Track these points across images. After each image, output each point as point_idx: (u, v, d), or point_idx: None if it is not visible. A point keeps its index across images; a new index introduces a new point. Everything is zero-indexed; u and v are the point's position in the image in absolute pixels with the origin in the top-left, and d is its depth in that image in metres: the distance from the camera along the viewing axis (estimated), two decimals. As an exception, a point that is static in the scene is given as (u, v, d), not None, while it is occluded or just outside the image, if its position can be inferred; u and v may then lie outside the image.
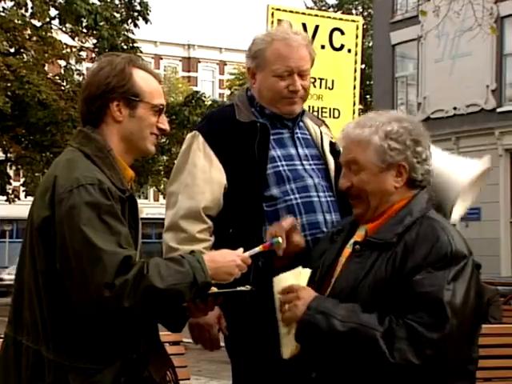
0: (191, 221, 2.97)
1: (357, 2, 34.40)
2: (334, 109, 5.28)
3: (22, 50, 19.21)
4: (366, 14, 31.69)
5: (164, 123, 2.48)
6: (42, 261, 2.30)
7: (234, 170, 3.01)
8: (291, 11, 5.19)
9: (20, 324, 2.33)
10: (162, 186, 31.11)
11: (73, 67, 19.77)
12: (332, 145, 3.14)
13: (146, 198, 39.79)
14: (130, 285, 2.20)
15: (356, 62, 5.33)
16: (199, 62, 48.27)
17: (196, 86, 42.12)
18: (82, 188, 2.26)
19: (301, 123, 3.19)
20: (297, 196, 3.00)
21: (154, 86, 2.47)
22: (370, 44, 28.22)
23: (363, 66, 26.52)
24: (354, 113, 5.38)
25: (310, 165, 3.10)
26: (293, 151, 3.10)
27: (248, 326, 2.97)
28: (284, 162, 3.05)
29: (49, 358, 2.26)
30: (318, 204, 3.02)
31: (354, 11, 32.40)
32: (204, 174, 3.00)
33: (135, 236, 2.38)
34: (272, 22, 5.04)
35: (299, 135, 3.15)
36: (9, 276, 27.07)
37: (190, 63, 47.92)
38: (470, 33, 16.83)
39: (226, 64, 47.60)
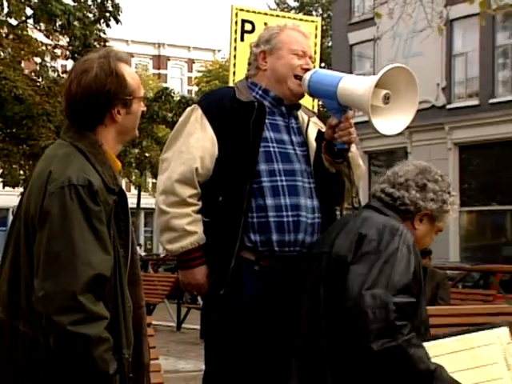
0: (184, 185, 2.99)
1: (317, 5, 34.45)
2: (294, 104, 5.26)
3: (-2, 48, 18.95)
4: (325, 15, 31.74)
5: (144, 107, 2.48)
6: None
7: (227, 144, 3.02)
8: (254, 11, 5.15)
9: (17, 310, 2.28)
10: (134, 178, 31.02)
11: (48, 64, 19.52)
12: (319, 133, 3.14)
13: (119, 188, 39.47)
14: (81, 316, 2.13)
15: (315, 61, 5.31)
16: (169, 60, 48.02)
17: (166, 82, 41.86)
18: (72, 188, 2.20)
19: (295, 114, 3.21)
20: (283, 178, 3.02)
21: (136, 78, 2.44)
22: (330, 44, 28.30)
23: (323, 65, 26.59)
24: (313, 108, 5.36)
25: (300, 151, 3.13)
26: (286, 137, 3.12)
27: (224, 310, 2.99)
28: (276, 144, 3.07)
29: (47, 344, 2.20)
30: (302, 189, 3.04)
31: (314, 13, 32.43)
32: (198, 143, 3.02)
33: (126, 226, 2.34)
34: (236, 22, 5.01)
35: (293, 125, 3.17)
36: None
37: (160, 61, 47.64)
38: (422, 34, 16.94)
39: (194, 62, 47.44)
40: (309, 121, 3.21)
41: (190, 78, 46.61)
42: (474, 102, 21.02)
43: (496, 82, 20.87)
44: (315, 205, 3.05)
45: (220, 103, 3.08)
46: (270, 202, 2.98)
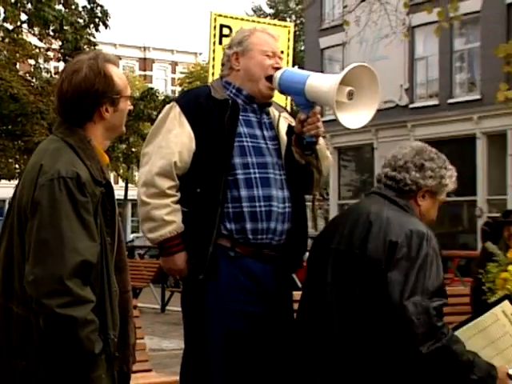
0: (163, 178, 2.97)
1: (291, 12, 34.51)
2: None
3: (-5, 51, 18.75)
4: (298, 22, 31.76)
5: (130, 106, 2.47)
6: None
7: (204, 139, 3.01)
8: (231, 17, 5.12)
9: (10, 293, 2.28)
10: (121, 171, 30.85)
11: (41, 66, 19.39)
12: (290, 128, 3.13)
13: (107, 181, 39.24)
14: (68, 299, 2.12)
15: (288, 63, 5.28)
16: (154, 62, 47.77)
17: (151, 83, 41.59)
18: (61, 180, 2.19)
19: (267, 110, 3.20)
20: (256, 171, 3.02)
21: (124, 78, 2.43)
22: (302, 48, 28.31)
23: (296, 67, 26.59)
24: (286, 106, 5.35)
25: (271, 145, 3.12)
26: (258, 132, 3.11)
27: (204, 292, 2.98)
28: (249, 139, 3.06)
29: (38, 324, 2.19)
30: (273, 180, 3.04)
31: (288, 19, 32.41)
32: (176, 138, 3.00)
33: (112, 216, 2.33)
34: (214, 27, 4.98)
35: (265, 120, 3.16)
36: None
37: (145, 63, 47.38)
38: (386, 40, 17.02)
39: (177, 64, 47.22)
40: (279, 116, 3.20)
41: (173, 79, 46.39)
42: (434, 101, 21.16)
43: (454, 84, 21.01)
44: (286, 195, 3.06)
45: (196, 101, 3.06)
46: (244, 193, 2.98)
